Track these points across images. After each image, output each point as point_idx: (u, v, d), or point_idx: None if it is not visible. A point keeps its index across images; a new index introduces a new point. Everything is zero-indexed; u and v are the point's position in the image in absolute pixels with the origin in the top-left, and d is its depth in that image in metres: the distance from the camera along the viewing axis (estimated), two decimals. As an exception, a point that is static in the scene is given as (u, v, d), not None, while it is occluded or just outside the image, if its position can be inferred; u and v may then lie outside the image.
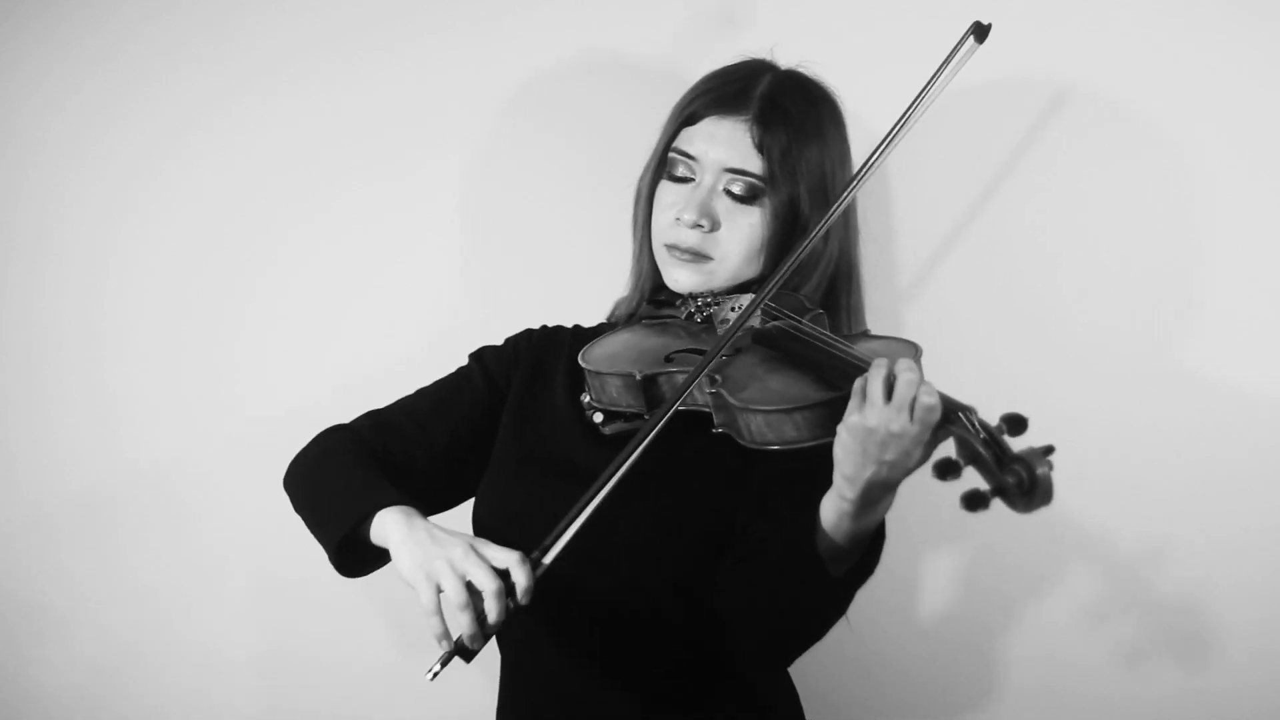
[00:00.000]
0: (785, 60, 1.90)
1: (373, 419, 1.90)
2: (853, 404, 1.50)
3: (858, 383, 1.51)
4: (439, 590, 1.57)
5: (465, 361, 1.97)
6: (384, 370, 2.30)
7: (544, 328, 1.99)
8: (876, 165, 1.71)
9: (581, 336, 1.95)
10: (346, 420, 1.91)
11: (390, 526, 1.66)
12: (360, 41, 2.32)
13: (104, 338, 2.35)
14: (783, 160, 1.79)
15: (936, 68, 1.72)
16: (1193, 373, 2.15)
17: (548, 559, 1.58)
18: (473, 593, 1.56)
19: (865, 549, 1.59)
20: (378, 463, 1.82)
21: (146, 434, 2.35)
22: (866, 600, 1.69)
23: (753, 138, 1.79)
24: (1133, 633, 2.13)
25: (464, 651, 1.57)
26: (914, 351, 1.62)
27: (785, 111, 1.80)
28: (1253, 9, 2.11)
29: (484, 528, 1.82)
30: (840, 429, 1.51)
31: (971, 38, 1.74)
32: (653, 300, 1.89)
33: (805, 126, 1.81)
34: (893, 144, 1.71)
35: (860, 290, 1.90)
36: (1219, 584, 2.14)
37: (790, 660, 1.75)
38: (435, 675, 1.57)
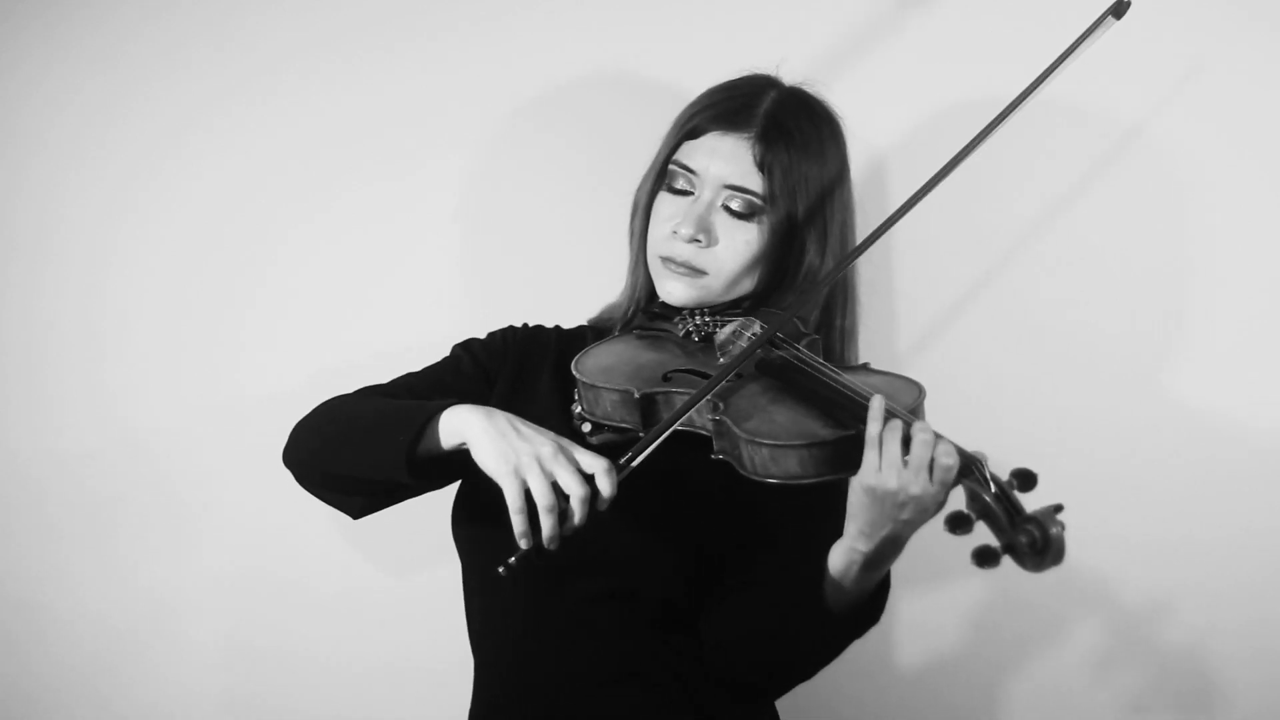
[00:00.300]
0: (790, 77, 1.89)
1: (371, 390, 1.89)
2: (869, 462, 1.50)
3: (870, 433, 1.50)
4: (525, 488, 1.55)
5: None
6: (385, 370, 2.29)
7: (525, 326, 1.98)
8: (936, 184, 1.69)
9: (566, 339, 1.94)
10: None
11: (468, 418, 1.62)
12: (360, 41, 2.32)
13: (104, 337, 2.35)
14: (783, 179, 1.78)
15: (1072, 42, 1.70)
16: (1206, 400, 2.15)
17: (635, 463, 1.57)
18: (558, 494, 1.54)
19: (870, 596, 1.60)
20: None
21: (146, 434, 2.35)
22: (869, 639, 1.69)
23: (754, 155, 1.79)
24: (1137, 681, 2.12)
25: (539, 553, 1.56)
26: (918, 392, 1.62)
27: (788, 130, 1.80)
28: (1249, 11, 2.11)
29: (467, 528, 1.82)
30: (857, 486, 1.52)
31: (1110, 16, 1.73)
32: (647, 311, 1.88)
33: (808, 146, 1.80)
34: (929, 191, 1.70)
35: (856, 313, 1.90)
36: (1223, 635, 2.14)
37: (777, 694, 1.75)
38: (507, 570, 1.55)
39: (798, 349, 1.72)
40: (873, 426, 1.50)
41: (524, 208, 2.32)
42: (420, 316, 2.33)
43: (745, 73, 1.89)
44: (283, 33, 2.32)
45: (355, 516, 1.85)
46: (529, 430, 1.60)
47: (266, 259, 2.34)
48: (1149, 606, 2.12)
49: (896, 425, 1.50)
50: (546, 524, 1.54)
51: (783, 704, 1.83)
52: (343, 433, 1.77)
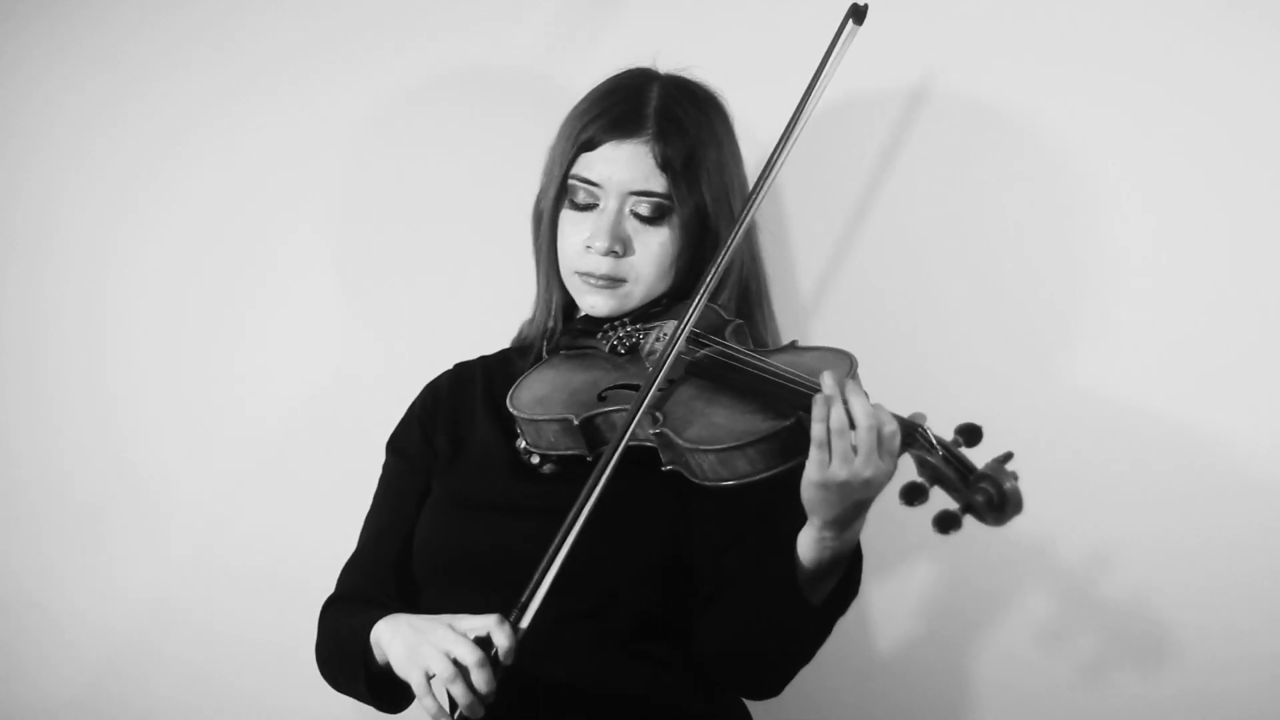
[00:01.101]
0: (667, 65, 1.89)
1: (345, 569, 1.91)
2: (814, 461, 1.49)
3: (815, 435, 1.48)
4: (429, 675, 1.58)
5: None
6: (385, 370, 2.30)
7: (446, 374, 1.97)
8: (778, 168, 1.71)
9: (492, 368, 1.93)
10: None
11: (382, 636, 1.68)
12: (361, 41, 2.32)
13: (104, 338, 2.35)
14: (686, 174, 1.78)
15: (821, 59, 1.72)
16: (1147, 375, 2.15)
17: (525, 619, 1.57)
18: (460, 667, 1.56)
19: (844, 570, 1.60)
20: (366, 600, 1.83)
21: (146, 435, 2.35)
22: (836, 632, 1.69)
23: (654, 157, 1.78)
24: (1090, 643, 2.12)
25: None
26: (850, 363, 1.60)
27: (681, 124, 1.80)
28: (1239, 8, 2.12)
29: (428, 570, 1.82)
30: (808, 485, 1.51)
31: (851, 21, 1.73)
32: (569, 330, 1.88)
33: (702, 135, 1.81)
34: (789, 144, 1.71)
35: (768, 291, 1.90)
36: (1169, 587, 2.12)
37: (777, 689, 1.74)
38: None
39: (722, 342, 1.70)
40: (816, 426, 1.49)
41: (525, 209, 2.32)
42: (420, 317, 2.33)
43: (622, 69, 1.89)
44: (283, 33, 2.32)
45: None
46: (422, 622, 1.63)
47: (266, 259, 2.34)
48: (1093, 566, 2.11)
49: (841, 416, 1.48)
50: (457, 693, 1.56)
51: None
52: (330, 664, 1.84)
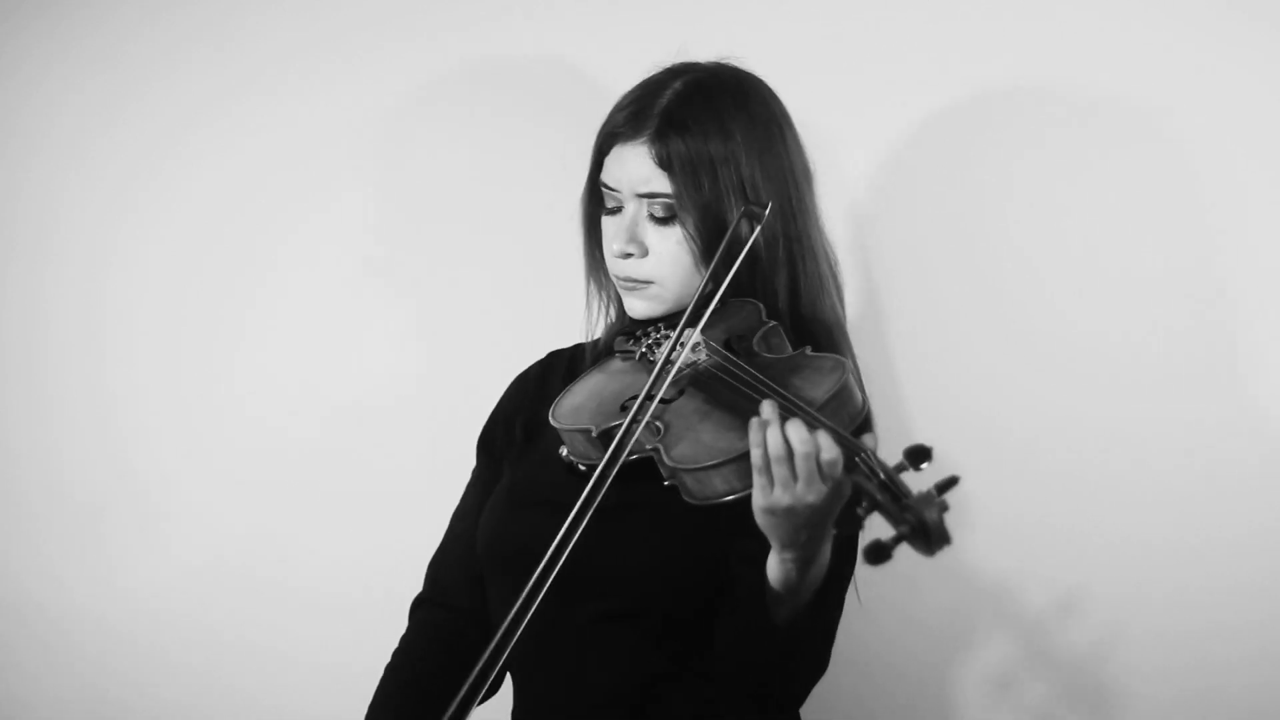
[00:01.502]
0: (704, 55, 1.84)
1: (430, 565, 1.91)
2: (757, 484, 1.47)
3: (753, 460, 1.46)
4: None
5: (465, 385, 1.99)
6: (385, 371, 2.30)
7: (537, 365, 1.95)
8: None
9: (579, 357, 1.92)
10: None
11: None
12: (361, 41, 2.32)
13: (104, 338, 2.35)
14: (686, 172, 1.74)
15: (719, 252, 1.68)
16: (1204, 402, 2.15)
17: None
18: None
19: (823, 597, 1.59)
20: (442, 654, 1.84)
21: (146, 435, 2.35)
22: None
23: (654, 157, 1.75)
24: (1041, 692, 2.12)
25: None
26: (843, 369, 1.56)
27: (682, 121, 1.75)
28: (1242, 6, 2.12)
29: (483, 560, 1.82)
30: (756, 509, 1.48)
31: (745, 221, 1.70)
32: (624, 332, 1.85)
33: (706, 126, 1.75)
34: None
35: (833, 297, 1.84)
36: (1126, 638, 2.13)
37: (796, 704, 1.74)
38: None
39: (721, 352, 1.66)
40: (754, 452, 1.46)
41: (525, 209, 2.32)
42: (421, 316, 2.33)
43: (657, 68, 1.84)
44: (283, 33, 2.32)
45: None
46: None
47: (266, 259, 2.34)
48: (1057, 611, 2.11)
49: (778, 442, 1.45)
50: None
51: None
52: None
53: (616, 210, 1.80)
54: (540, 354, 1.95)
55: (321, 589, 2.33)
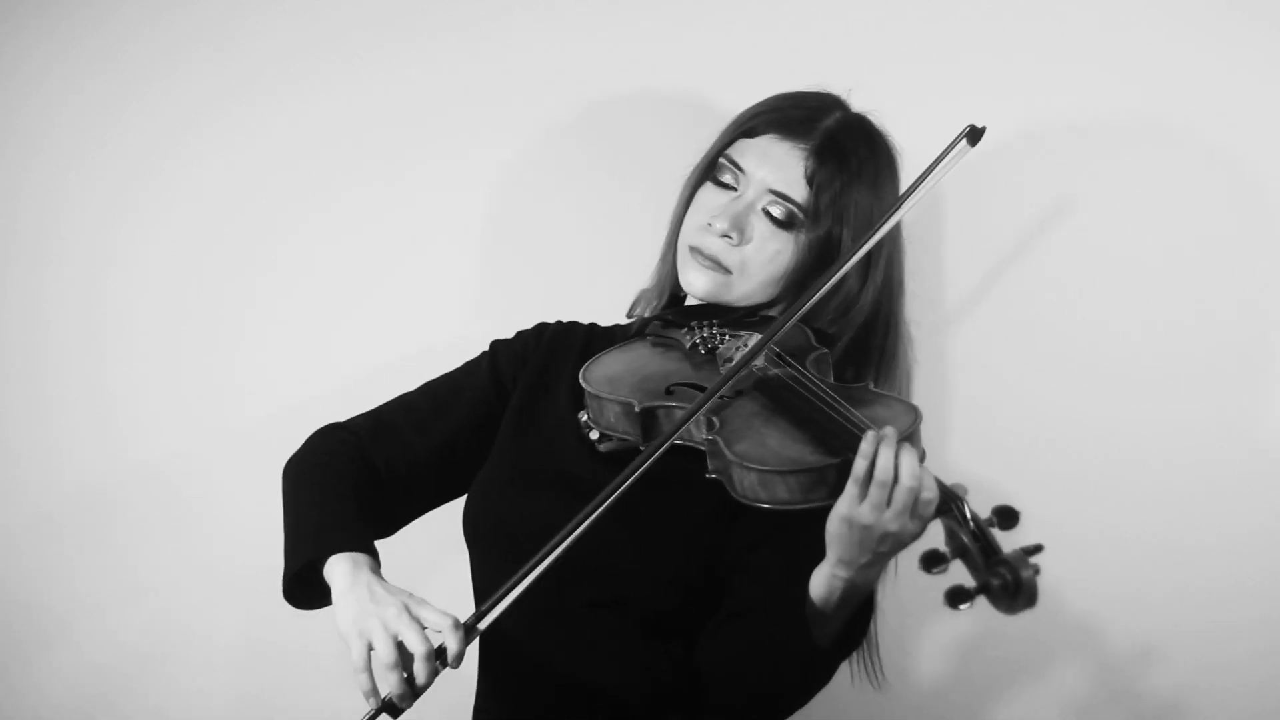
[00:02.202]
0: (859, 105, 1.87)
1: (370, 420, 1.88)
2: (847, 495, 1.49)
3: (856, 469, 1.48)
4: (370, 648, 1.56)
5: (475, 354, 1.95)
6: (385, 370, 2.30)
7: (559, 323, 1.96)
8: (861, 251, 1.69)
9: (596, 336, 1.92)
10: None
11: (336, 576, 1.65)
12: (360, 41, 2.32)
13: (104, 337, 2.35)
14: (830, 198, 1.77)
15: (928, 166, 1.69)
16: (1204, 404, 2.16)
17: (482, 625, 1.56)
18: (404, 653, 1.54)
19: (851, 620, 1.59)
20: (364, 473, 1.81)
21: (147, 434, 2.35)
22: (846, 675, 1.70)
23: (806, 168, 1.78)
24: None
25: (392, 709, 1.55)
26: (913, 418, 1.57)
27: (844, 152, 1.79)
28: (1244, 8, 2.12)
29: (473, 533, 1.81)
30: (835, 517, 1.50)
31: (965, 140, 1.72)
32: (661, 317, 1.87)
33: (862, 171, 1.79)
34: (877, 236, 1.69)
35: (900, 340, 1.86)
36: (1210, 600, 2.14)
37: None
38: None
39: (796, 366, 1.68)
40: (860, 463, 1.48)
41: (526, 208, 2.32)
42: (420, 318, 2.33)
43: (816, 88, 1.87)
44: (283, 33, 2.32)
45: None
46: (381, 591, 1.60)
47: (266, 259, 2.34)
48: (1135, 652, 2.12)
49: (887, 465, 1.47)
50: (391, 680, 1.54)
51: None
52: (285, 518, 1.82)
53: (728, 188, 1.81)
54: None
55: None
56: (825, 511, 1.53)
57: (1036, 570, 1.39)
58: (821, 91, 1.87)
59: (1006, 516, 1.44)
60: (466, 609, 1.84)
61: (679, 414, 1.64)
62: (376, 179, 2.34)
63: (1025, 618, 1.42)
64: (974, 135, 1.71)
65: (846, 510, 1.49)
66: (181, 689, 2.36)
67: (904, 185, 1.83)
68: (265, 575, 2.34)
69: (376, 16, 2.32)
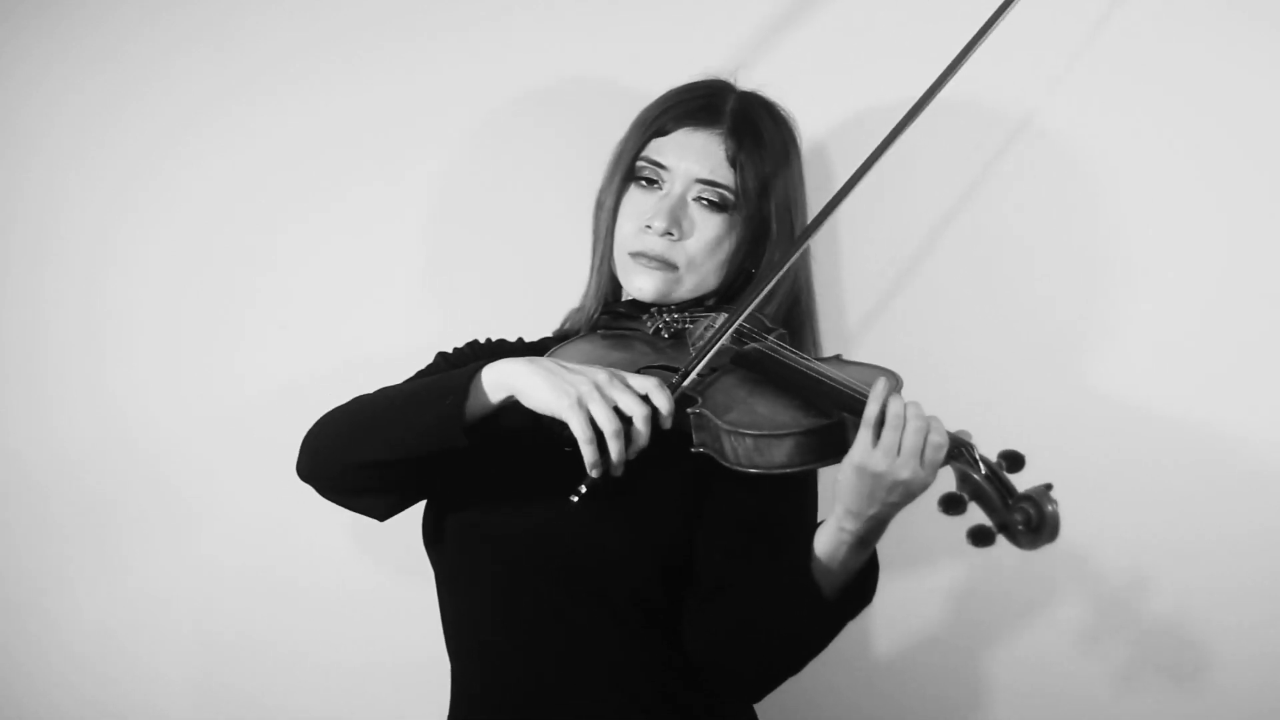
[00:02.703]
0: (746, 84, 1.93)
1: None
2: (860, 441, 1.53)
3: (868, 413, 1.53)
4: (590, 418, 1.56)
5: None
6: (385, 370, 2.30)
7: (489, 340, 1.98)
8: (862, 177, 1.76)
9: (530, 348, 1.94)
10: None
11: (512, 369, 1.63)
12: (361, 41, 2.32)
13: (104, 338, 2.35)
14: (755, 176, 1.81)
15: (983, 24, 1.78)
16: (1193, 384, 2.16)
17: (686, 382, 1.61)
18: (624, 417, 1.57)
19: (859, 576, 1.61)
20: None
21: (147, 434, 2.35)
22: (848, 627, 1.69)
23: (726, 150, 1.82)
24: (1124, 654, 2.13)
25: (607, 479, 1.58)
26: (894, 381, 1.62)
27: (756, 128, 1.83)
28: (1246, 10, 2.12)
29: (442, 540, 1.82)
30: (847, 466, 1.53)
31: None
32: (610, 310, 1.88)
33: (774, 146, 1.84)
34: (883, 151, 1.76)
35: (815, 309, 1.93)
36: (1210, 600, 2.14)
37: (767, 689, 1.75)
38: (579, 498, 1.57)
39: (770, 340, 1.73)
40: (872, 406, 1.53)
41: (524, 209, 2.32)
42: (420, 317, 2.33)
43: (701, 76, 1.92)
44: (283, 33, 2.32)
45: (382, 518, 1.84)
46: (577, 366, 1.62)
47: (266, 259, 2.34)
48: (1131, 581, 2.13)
49: (899, 408, 1.52)
50: (614, 448, 1.56)
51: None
52: (375, 418, 1.74)
53: (652, 187, 1.82)
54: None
55: (323, 587, 2.33)
56: (810, 476, 1.60)
57: (1057, 504, 1.43)
58: (709, 79, 1.92)
59: (1014, 460, 1.49)
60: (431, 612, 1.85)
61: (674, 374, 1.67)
62: (377, 179, 2.34)
63: (1016, 559, 1.44)
64: None
65: (860, 458, 1.52)
66: (181, 689, 2.36)
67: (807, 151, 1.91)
68: (265, 575, 2.35)
69: (376, 16, 2.32)
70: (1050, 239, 2.20)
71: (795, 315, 1.90)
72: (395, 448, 1.69)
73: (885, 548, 1.65)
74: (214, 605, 2.36)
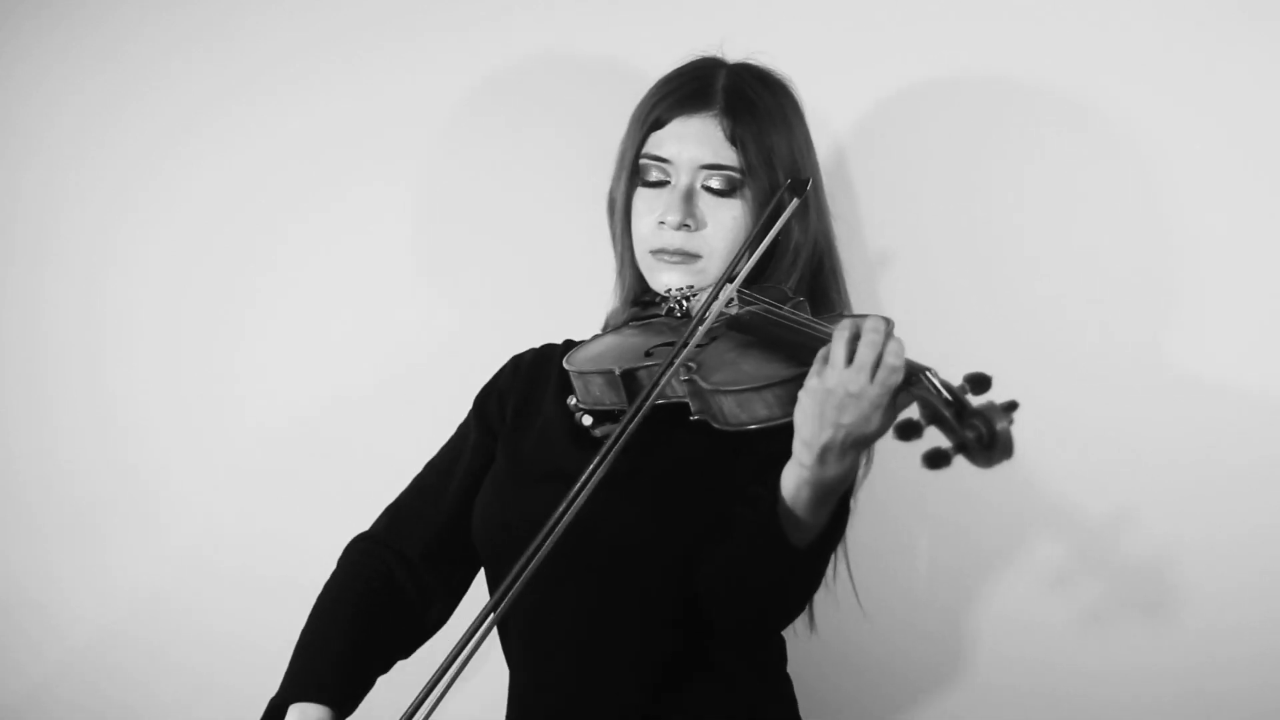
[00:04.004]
0: (734, 55, 1.91)
1: (388, 515, 1.91)
2: (814, 368, 1.50)
3: (822, 350, 1.50)
4: None
5: (461, 384, 1.97)
6: (384, 372, 2.30)
7: (532, 351, 1.98)
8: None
9: (568, 348, 1.95)
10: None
11: None
12: (361, 41, 2.32)
13: (104, 338, 2.35)
14: (757, 149, 1.80)
15: (763, 220, 1.73)
16: (1160, 356, 2.16)
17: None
18: None
19: (828, 520, 1.58)
20: (378, 582, 1.84)
21: (145, 435, 2.35)
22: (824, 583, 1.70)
23: (724, 131, 1.80)
24: (1096, 596, 2.12)
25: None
26: (890, 324, 1.58)
27: (750, 101, 1.82)
28: (1243, 7, 2.12)
29: (480, 535, 1.82)
30: (800, 393, 1.50)
31: (792, 195, 1.74)
32: (638, 303, 1.89)
33: (771, 114, 1.83)
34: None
35: (842, 274, 1.92)
36: (1182, 546, 2.14)
37: (771, 632, 1.76)
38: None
39: (765, 300, 1.72)
40: (833, 339, 1.50)
41: (529, 206, 2.32)
42: (420, 317, 2.33)
43: (689, 58, 1.91)
44: (283, 33, 2.32)
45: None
46: None
47: (266, 260, 2.34)
48: (1107, 520, 2.12)
49: (846, 325, 1.49)
50: None
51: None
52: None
53: (661, 184, 1.82)
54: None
55: (318, 588, 2.33)
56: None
57: (1011, 420, 1.39)
58: (696, 59, 1.91)
59: (979, 382, 1.44)
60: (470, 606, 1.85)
61: (658, 368, 1.66)
62: (377, 179, 2.34)
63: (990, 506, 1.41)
64: (797, 187, 1.73)
65: (809, 382, 1.49)
66: (181, 689, 2.36)
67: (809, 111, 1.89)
68: (265, 575, 2.35)
69: (376, 16, 2.32)
70: (1051, 237, 2.19)
71: (819, 282, 1.88)
72: None
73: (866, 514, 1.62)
74: (214, 605, 2.35)
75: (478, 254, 2.33)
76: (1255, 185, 2.13)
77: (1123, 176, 2.16)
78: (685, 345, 1.63)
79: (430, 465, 1.94)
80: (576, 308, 2.05)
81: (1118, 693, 2.17)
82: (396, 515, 1.90)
